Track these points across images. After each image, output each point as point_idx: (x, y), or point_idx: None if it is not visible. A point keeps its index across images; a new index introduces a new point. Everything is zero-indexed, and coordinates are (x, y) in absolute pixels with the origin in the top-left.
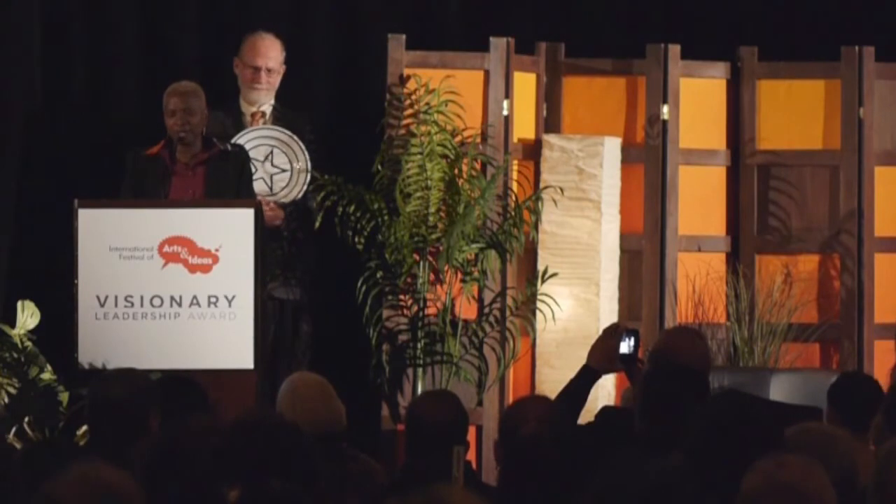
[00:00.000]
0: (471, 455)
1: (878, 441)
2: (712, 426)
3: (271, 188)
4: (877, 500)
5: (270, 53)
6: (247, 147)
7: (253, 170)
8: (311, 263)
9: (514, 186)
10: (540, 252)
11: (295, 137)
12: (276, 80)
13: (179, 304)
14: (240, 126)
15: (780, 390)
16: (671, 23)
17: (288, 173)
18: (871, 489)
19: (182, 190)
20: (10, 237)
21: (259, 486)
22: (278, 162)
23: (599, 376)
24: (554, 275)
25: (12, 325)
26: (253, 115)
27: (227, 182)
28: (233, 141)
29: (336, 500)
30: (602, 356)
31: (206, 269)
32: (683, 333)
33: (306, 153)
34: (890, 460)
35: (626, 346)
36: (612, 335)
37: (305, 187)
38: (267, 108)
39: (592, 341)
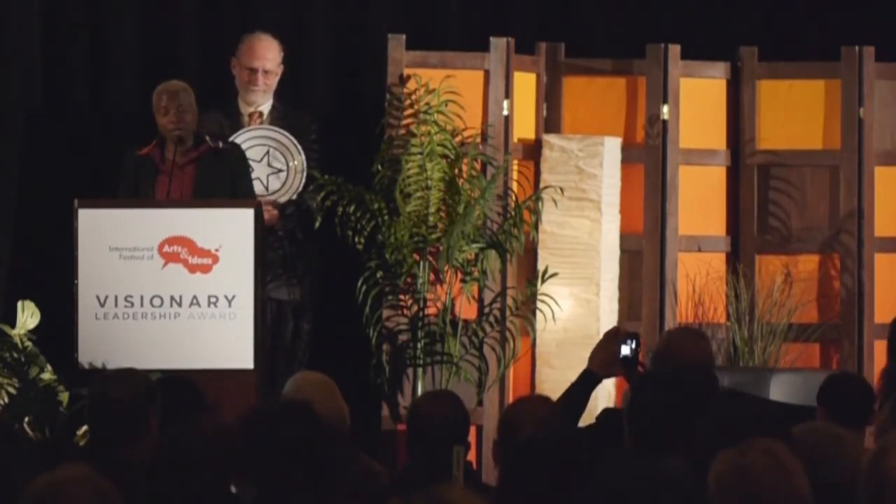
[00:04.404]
0: (471, 455)
1: (880, 436)
2: (719, 428)
3: (268, 187)
4: (869, 492)
5: (268, 55)
6: (243, 147)
7: (250, 169)
8: (311, 263)
9: (514, 186)
10: (540, 252)
11: (291, 137)
12: (274, 80)
13: (179, 304)
14: (237, 126)
15: (780, 390)
16: (671, 23)
17: (284, 173)
18: (863, 481)
19: (171, 188)
20: (10, 237)
21: (278, 486)
22: (275, 162)
23: (600, 381)
24: (554, 275)
25: (12, 325)
26: (250, 115)
27: (217, 180)
28: (229, 140)
29: (339, 500)
30: (603, 360)
31: (206, 269)
32: (686, 334)
33: (302, 153)
34: (884, 453)
35: (626, 349)
36: (612, 339)
37: (301, 187)
38: (265, 108)
39: (592, 341)
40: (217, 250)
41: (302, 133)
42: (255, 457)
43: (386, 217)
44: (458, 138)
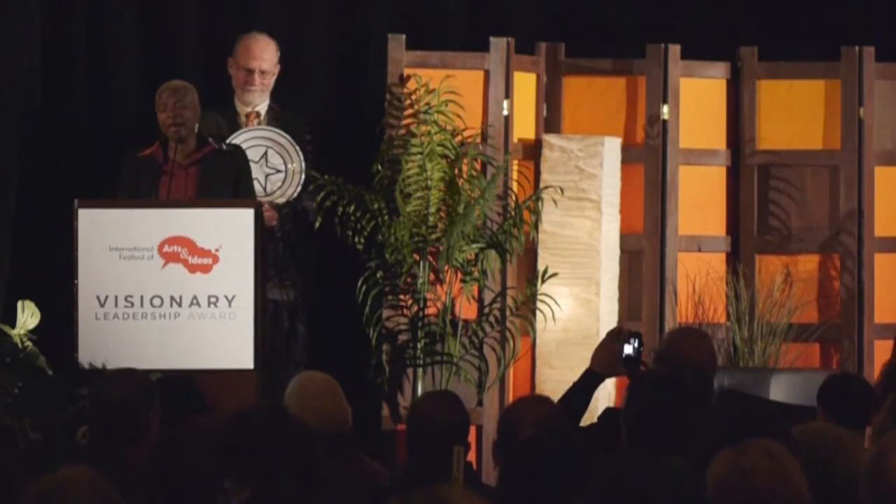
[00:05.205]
0: (471, 455)
1: (880, 437)
2: (718, 428)
3: (265, 189)
4: (869, 492)
5: (264, 55)
6: (242, 147)
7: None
8: (307, 264)
9: (514, 186)
10: (540, 252)
11: (289, 138)
12: (270, 81)
13: (179, 304)
14: (234, 127)
15: (780, 390)
16: (671, 23)
17: (282, 174)
18: (863, 481)
19: (174, 189)
20: (10, 237)
21: (269, 487)
22: (273, 162)
23: (603, 380)
24: (554, 275)
25: (12, 325)
26: (247, 115)
27: (220, 182)
28: (228, 141)
29: (340, 500)
30: (606, 360)
31: (206, 269)
32: (688, 335)
33: (300, 154)
34: (884, 453)
35: (629, 349)
36: (615, 338)
37: (300, 188)
38: (262, 108)
39: (593, 341)
40: (217, 250)
41: (295, 134)
42: (239, 461)
43: (386, 217)
44: (458, 138)
